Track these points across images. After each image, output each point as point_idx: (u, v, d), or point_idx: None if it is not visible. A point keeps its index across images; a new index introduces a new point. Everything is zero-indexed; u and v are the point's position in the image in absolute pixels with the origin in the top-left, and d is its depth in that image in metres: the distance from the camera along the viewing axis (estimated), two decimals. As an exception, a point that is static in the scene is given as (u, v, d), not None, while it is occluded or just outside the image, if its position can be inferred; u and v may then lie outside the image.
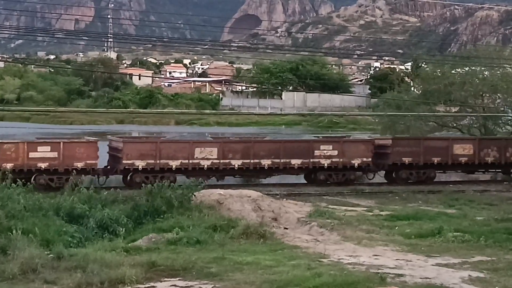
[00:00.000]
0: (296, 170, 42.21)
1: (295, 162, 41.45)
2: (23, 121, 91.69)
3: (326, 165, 41.87)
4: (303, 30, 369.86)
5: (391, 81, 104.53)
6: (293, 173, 42.77)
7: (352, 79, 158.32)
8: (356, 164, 42.43)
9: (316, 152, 41.82)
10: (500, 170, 46.27)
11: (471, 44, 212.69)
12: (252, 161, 40.93)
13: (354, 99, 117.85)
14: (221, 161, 40.34)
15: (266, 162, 41.13)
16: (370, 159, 42.68)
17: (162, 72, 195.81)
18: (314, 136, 50.97)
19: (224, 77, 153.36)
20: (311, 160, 41.70)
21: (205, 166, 39.97)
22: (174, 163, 39.54)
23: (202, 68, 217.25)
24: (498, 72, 56.00)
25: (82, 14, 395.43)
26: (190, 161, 39.75)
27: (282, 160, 41.29)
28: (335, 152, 42.13)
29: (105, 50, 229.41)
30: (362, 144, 43.89)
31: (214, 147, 40.70)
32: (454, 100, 54.45)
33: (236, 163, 40.54)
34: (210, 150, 40.40)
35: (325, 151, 41.98)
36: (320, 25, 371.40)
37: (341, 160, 42.09)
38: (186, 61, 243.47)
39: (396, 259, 21.98)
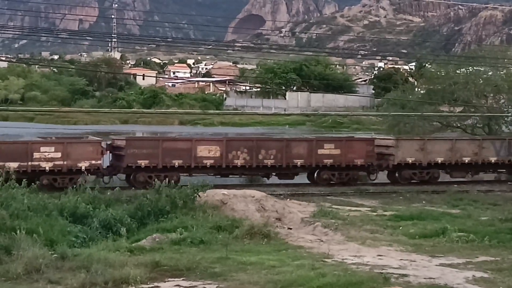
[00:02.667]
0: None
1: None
2: (27, 121, 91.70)
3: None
4: (307, 30, 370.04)
5: (395, 81, 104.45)
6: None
7: (356, 79, 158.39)
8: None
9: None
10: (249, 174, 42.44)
11: (475, 44, 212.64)
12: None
13: (358, 99, 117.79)
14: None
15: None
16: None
17: (166, 72, 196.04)
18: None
19: (228, 77, 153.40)
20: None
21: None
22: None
23: (206, 68, 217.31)
24: (502, 72, 56.00)
25: (86, 14, 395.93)
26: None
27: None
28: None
29: (109, 50, 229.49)
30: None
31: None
32: (458, 100, 54.41)
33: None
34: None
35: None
36: (324, 25, 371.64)
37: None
38: (190, 61, 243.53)
39: (400, 259, 21.96)
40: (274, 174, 42.21)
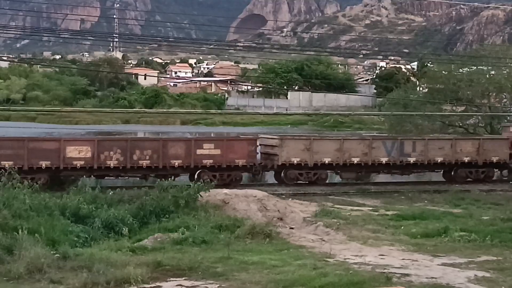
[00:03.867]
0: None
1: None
2: (29, 121, 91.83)
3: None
4: (308, 29, 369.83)
5: (396, 80, 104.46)
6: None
7: (358, 78, 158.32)
8: None
9: None
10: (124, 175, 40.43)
11: (477, 44, 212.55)
12: None
13: (359, 99, 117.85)
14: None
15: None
16: None
17: (167, 72, 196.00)
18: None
19: (229, 77, 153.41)
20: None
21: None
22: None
23: (208, 68, 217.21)
24: (505, 71, 56.02)
25: (88, 14, 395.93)
26: None
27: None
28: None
29: (111, 50, 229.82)
30: None
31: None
32: (461, 99, 54.43)
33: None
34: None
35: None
36: (326, 25, 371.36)
37: None
38: (192, 61, 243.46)
39: (402, 259, 21.96)
40: (152, 175, 40.09)
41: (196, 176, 39.78)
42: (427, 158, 43.81)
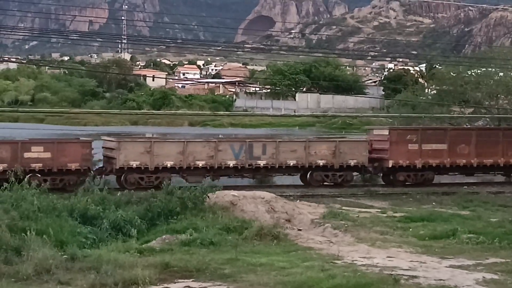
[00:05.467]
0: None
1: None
2: (37, 122, 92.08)
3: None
4: (316, 31, 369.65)
5: (405, 82, 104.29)
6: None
7: (366, 80, 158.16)
8: None
9: None
10: None
11: (486, 46, 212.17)
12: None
13: (368, 101, 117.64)
14: None
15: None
16: None
17: (175, 74, 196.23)
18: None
19: (237, 79, 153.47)
20: None
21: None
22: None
23: (216, 70, 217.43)
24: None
25: (96, 15, 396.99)
26: None
27: None
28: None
29: (119, 51, 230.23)
30: None
31: None
32: (469, 101, 54.34)
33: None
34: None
35: None
36: (334, 26, 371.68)
37: None
38: (200, 63, 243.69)
39: (410, 261, 21.92)
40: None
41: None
42: (278, 161, 41.65)
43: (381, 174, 44.86)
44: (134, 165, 39.52)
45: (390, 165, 42.90)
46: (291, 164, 41.89)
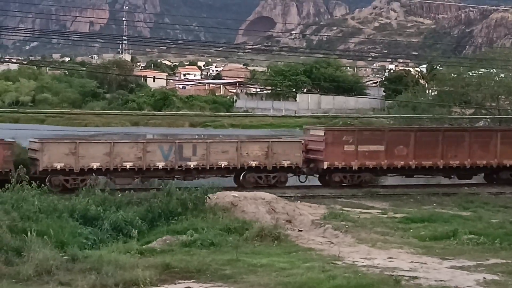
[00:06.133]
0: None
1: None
2: (38, 123, 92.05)
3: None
4: (317, 32, 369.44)
5: (405, 83, 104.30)
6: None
7: (367, 81, 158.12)
8: None
9: None
10: None
11: (487, 46, 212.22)
12: None
13: (368, 101, 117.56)
14: None
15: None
16: None
17: (176, 74, 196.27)
18: None
19: (238, 79, 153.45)
20: None
21: None
22: None
23: (217, 70, 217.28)
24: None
25: (97, 16, 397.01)
26: None
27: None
28: None
29: (120, 52, 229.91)
30: None
31: None
32: (471, 102, 54.33)
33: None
34: None
35: None
36: (335, 27, 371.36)
37: None
38: (201, 63, 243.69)
39: (411, 262, 21.94)
40: None
41: None
42: (209, 163, 40.52)
43: (317, 175, 43.91)
44: (59, 167, 37.98)
45: (325, 167, 41.93)
46: (223, 165, 40.83)
